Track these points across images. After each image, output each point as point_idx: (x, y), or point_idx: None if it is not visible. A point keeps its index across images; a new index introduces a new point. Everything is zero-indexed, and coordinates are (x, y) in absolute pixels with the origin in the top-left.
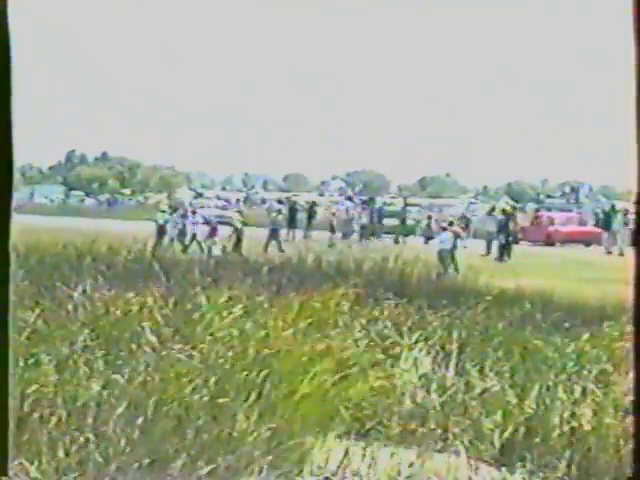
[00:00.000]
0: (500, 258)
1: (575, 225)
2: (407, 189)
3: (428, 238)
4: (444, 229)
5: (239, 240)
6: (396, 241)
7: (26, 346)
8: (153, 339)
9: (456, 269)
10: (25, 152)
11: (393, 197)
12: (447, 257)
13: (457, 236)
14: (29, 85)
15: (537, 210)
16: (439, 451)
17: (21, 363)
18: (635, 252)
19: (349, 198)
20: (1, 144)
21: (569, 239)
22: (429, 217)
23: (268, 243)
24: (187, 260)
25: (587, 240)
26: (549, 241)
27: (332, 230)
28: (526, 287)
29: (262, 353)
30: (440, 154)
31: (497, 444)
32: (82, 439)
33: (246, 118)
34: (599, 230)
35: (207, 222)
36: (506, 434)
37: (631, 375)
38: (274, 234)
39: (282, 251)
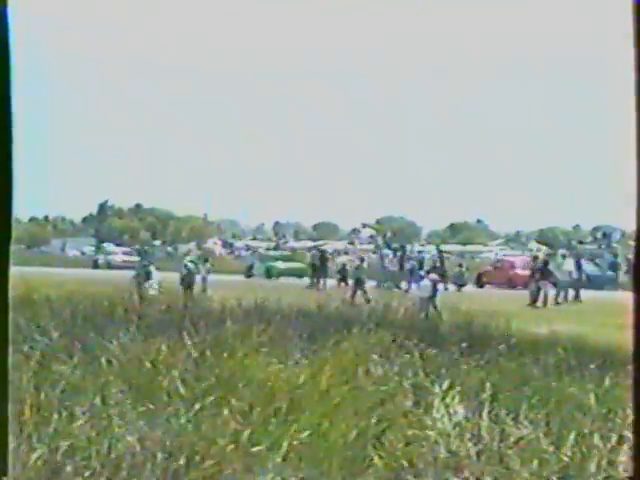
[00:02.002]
0: (533, 304)
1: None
2: (437, 236)
3: (460, 285)
4: (421, 277)
5: None
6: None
7: (60, 399)
8: (186, 390)
9: (439, 316)
10: (58, 204)
11: (423, 244)
12: (427, 304)
13: (436, 283)
14: (62, 138)
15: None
16: None
17: (55, 416)
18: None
19: (387, 246)
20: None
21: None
22: (460, 265)
23: (354, 293)
24: (219, 309)
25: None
26: (511, 284)
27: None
28: (560, 333)
29: (294, 400)
30: (470, 200)
31: None
32: None
33: (277, 167)
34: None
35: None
36: None
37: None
38: (359, 284)
39: (368, 301)
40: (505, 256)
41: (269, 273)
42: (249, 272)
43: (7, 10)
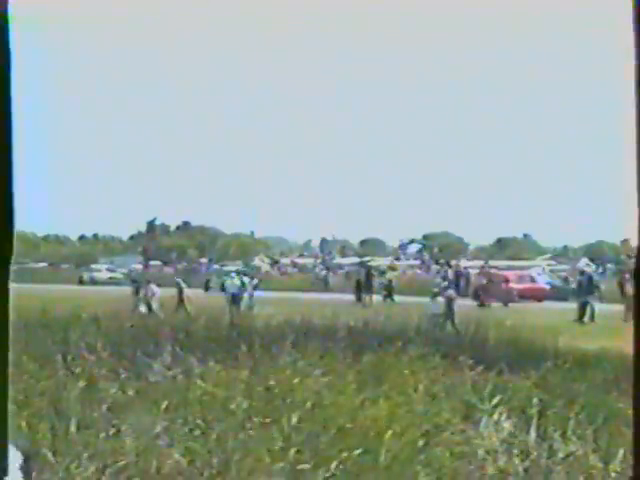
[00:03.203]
0: (580, 319)
1: (528, 283)
2: (484, 251)
3: (507, 301)
4: (435, 295)
5: None
6: (480, 305)
7: (107, 417)
8: (232, 409)
9: (457, 331)
10: (107, 223)
11: (470, 259)
12: (440, 321)
13: (450, 300)
14: (111, 157)
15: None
16: None
17: (102, 434)
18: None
19: (436, 262)
20: None
21: (522, 296)
22: (506, 280)
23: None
24: (265, 326)
25: (538, 297)
26: (506, 299)
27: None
28: (608, 349)
29: (342, 418)
30: (518, 215)
31: None
32: None
33: (324, 185)
34: (547, 287)
35: None
36: None
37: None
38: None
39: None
40: (499, 270)
41: (223, 287)
42: (207, 286)
43: (7, 10)
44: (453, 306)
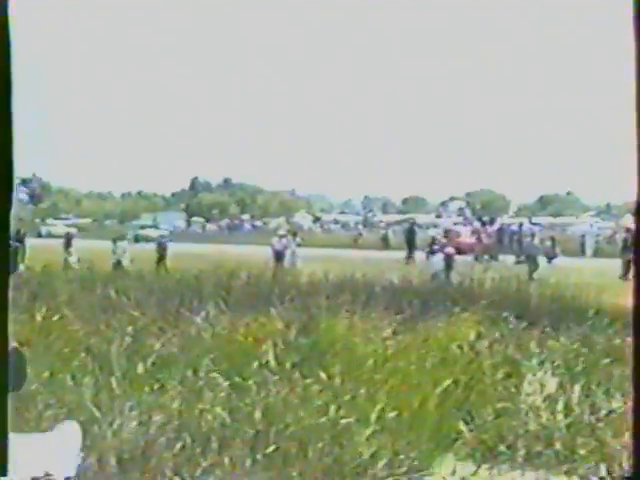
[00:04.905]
0: (625, 276)
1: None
2: (527, 209)
3: (551, 258)
4: (433, 252)
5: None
6: (518, 262)
7: (151, 372)
8: (275, 363)
9: (455, 289)
10: (150, 180)
11: (512, 217)
12: (442, 278)
13: (449, 257)
14: (156, 117)
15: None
16: (566, 473)
17: (146, 389)
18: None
19: (478, 219)
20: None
21: (469, 249)
22: (552, 238)
23: (531, 270)
24: (307, 284)
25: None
26: (458, 252)
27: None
28: None
29: (384, 374)
30: (561, 172)
31: (625, 466)
32: (206, 464)
33: (365, 143)
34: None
35: None
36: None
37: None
38: (533, 261)
39: (531, 279)
40: (454, 225)
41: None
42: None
43: (7, 8)
44: (452, 263)
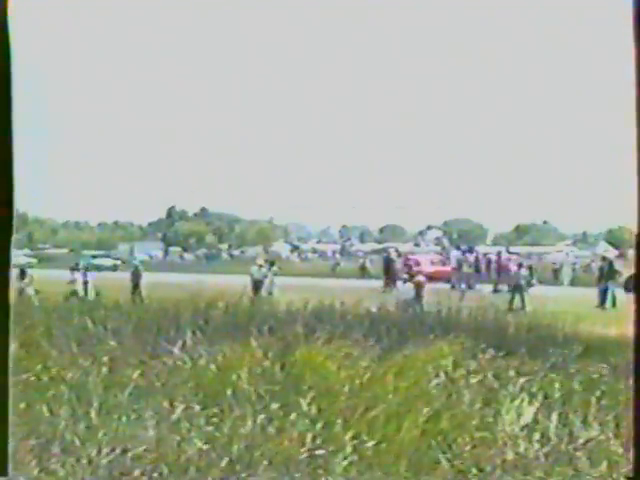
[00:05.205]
0: (601, 305)
1: (438, 266)
2: (504, 238)
3: (528, 287)
4: (405, 281)
5: None
6: (495, 291)
7: (128, 402)
8: (252, 394)
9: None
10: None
11: (490, 246)
12: (411, 307)
13: (419, 286)
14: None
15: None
16: None
17: (123, 419)
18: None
19: (457, 247)
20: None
21: (433, 277)
22: (530, 267)
23: (512, 299)
24: (285, 312)
25: (447, 278)
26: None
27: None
28: (630, 335)
29: (361, 403)
30: (537, 201)
31: None
32: None
33: (343, 170)
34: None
35: None
36: None
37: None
38: (518, 289)
39: (524, 308)
40: (412, 254)
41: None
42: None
43: (7, 8)
44: (422, 292)
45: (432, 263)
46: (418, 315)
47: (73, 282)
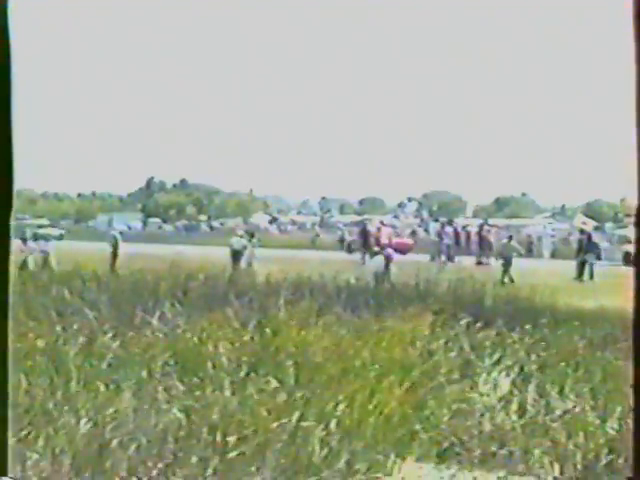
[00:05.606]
0: (579, 278)
1: (396, 238)
2: (483, 210)
3: (506, 259)
4: (376, 253)
5: None
6: (478, 263)
7: (106, 372)
8: (231, 364)
9: (394, 289)
10: (105, 180)
11: (469, 218)
12: (381, 279)
13: (389, 258)
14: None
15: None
16: (521, 474)
17: (102, 389)
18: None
19: (436, 220)
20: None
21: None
22: (509, 237)
23: (505, 272)
24: (264, 284)
25: (405, 250)
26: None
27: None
28: (607, 307)
29: (339, 374)
30: (516, 174)
31: (579, 466)
32: (161, 465)
33: (323, 143)
34: (412, 242)
35: None
36: (589, 456)
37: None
38: (507, 264)
39: (512, 281)
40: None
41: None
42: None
43: (7, 8)
44: (390, 265)
45: (391, 235)
46: (396, 287)
47: (28, 252)
